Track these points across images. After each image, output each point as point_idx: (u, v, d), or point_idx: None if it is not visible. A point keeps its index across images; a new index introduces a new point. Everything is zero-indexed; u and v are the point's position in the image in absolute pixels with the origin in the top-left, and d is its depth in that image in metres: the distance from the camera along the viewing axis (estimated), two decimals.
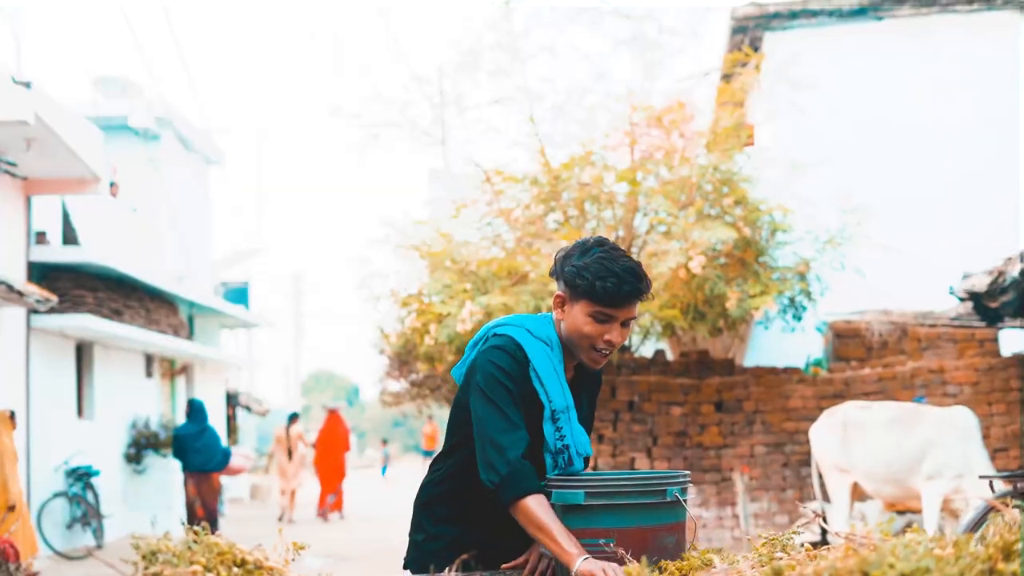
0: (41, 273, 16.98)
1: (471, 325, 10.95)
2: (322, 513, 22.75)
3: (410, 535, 4.04)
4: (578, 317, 3.72)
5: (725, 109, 13.37)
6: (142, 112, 21.75)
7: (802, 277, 12.60)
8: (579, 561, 3.39)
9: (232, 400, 28.91)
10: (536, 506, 3.55)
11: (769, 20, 15.41)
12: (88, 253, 17.23)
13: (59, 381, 17.71)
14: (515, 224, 12.70)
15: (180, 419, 22.17)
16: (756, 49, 15.58)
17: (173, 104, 23.04)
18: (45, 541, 16.78)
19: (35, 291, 14.40)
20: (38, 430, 16.66)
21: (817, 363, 13.70)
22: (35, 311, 16.52)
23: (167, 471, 19.77)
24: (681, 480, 3.57)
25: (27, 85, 13.32)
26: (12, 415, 13.52)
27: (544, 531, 3.52)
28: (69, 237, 18.12)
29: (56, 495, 17.19)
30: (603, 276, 3.65)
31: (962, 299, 12.19)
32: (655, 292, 11.50)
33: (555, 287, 3.84)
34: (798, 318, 13.09)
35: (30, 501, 16.31)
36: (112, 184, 20.97)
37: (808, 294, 12.79)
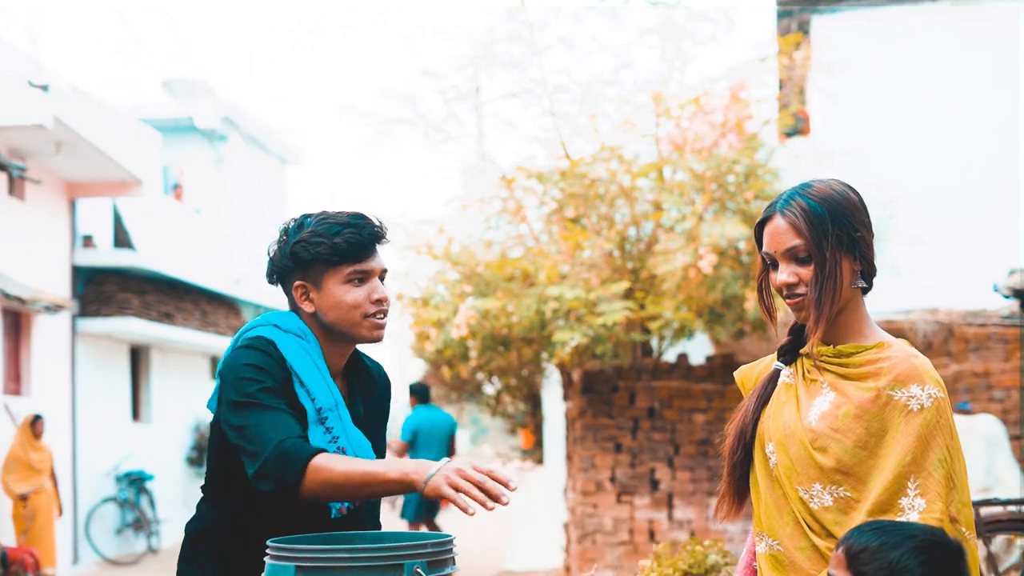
0: (88, 277, 16.93)
1: (466, 331, 10.44)
2: None
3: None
4: (334, 292, 3.21)
5: (769, 99, 12.74)
6: (208, 113, 21.70)
7: None
8: (428, 476, 2.81)
9: None
10: (328, 461, 2.94)
11: (816, 2, 14.56)
12: (135, 256, 17.12)
13: (110, 384, 17.65)
14: (535, 222, 12.19)
15: None
16: (805, 33, 14.72)
17: (241, 104, 23.00)
18: (93, 547, 16.74)
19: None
20: (86, 434, 16.59)
21: None
22: (80, 315, 16.53)
23: None
24: (430, 551, 2.69)
25: (44, 88, 13.21)
26: (34, 420, 13.48)
27: (358, 476, 2.91)
28: (122, 240, 18.04)
29: (106, 500, 17.10)
30: (337, 232, 3.17)
31: (1007, 297, 11.34)
32: (667, 293, 10.86)
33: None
34: None
35: (76, 506, 16.30)
36: (176, 186, 20.99)
37: None
